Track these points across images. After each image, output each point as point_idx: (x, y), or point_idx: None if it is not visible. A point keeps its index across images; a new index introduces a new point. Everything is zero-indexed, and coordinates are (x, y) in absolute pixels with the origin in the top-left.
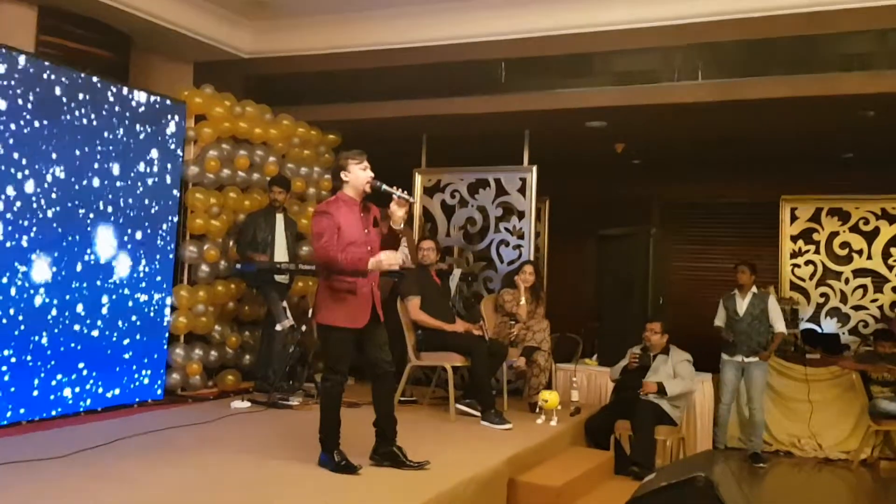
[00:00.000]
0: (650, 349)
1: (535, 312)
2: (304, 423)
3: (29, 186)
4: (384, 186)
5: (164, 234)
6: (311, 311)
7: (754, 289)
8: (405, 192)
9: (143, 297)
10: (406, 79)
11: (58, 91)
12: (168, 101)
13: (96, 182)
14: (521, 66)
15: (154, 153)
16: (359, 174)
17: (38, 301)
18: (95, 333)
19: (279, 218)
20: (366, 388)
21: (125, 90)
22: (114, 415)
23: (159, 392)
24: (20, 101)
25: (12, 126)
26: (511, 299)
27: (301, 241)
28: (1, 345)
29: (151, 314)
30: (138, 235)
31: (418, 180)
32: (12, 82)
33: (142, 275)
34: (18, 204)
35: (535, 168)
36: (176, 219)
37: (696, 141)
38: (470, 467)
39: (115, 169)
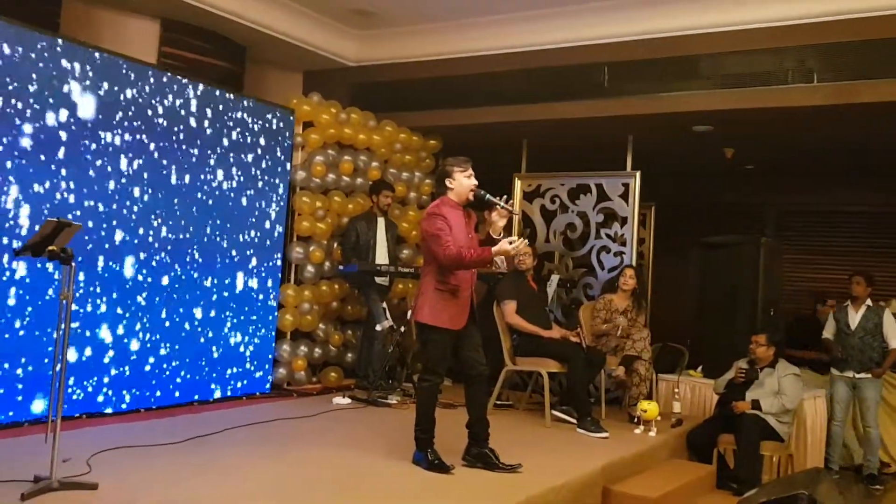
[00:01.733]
0: (757, 362)
1: (636, 321)
2: (400, 421)
3: (148, 190)
4: (487, 196)
5: (273, 236)
6: (409, 313)
7: (869, 302)
8: (508, 202)
9: (255, 295)
10: (507, 84)
11: (177, 101)
12: (278, 109)
13: (213, 184)
14: (625, 70)
15: (265, 158)
16: (463, 182)
17: (156, 298)
18: (210, 328)
19: (380, 221)
20: (462, 389)
21: (240, 99)
22: (224, 406)
23: (267, 386)
24: (149, 112)
25: (131, 132)
26: (603, 307)
27: (401, 244)
28: (129, 335)
29: (261, 311)
30: (251, 235)
31: (518, 185)
32: (137, 93)
33: (253, 274)
34: (136, 208)
35: (638, 173)
36: (284, 221)
37: (813, 146)
38: (563, 473)
39: (230, 173)
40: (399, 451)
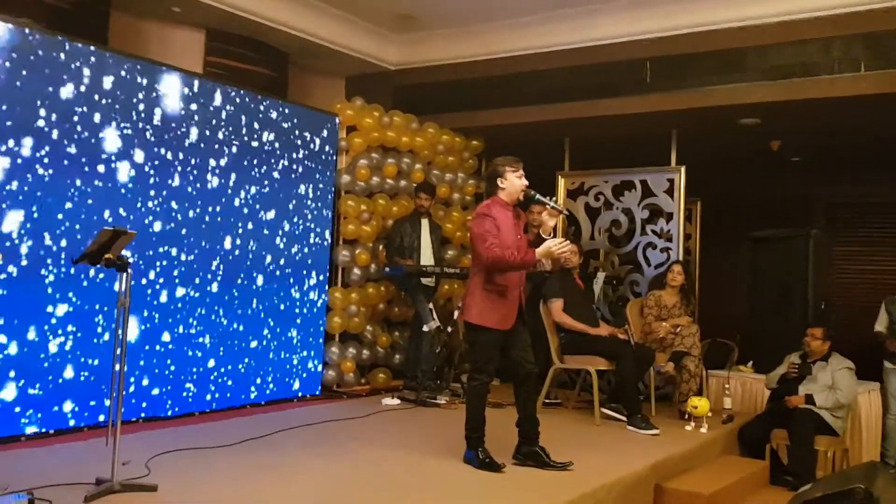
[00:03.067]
0: (809, 356)
1: (683, 316)
2: (450, 421)
3: (199, 201)
4: (538, 196)
5: (320, 239)
6: (456, 313)
7: None
8: (557, 201)
9: (303, 299)
10: (548, 82)
11: (223, 108)
12: (322, 115)
13: (264, 189)
14: (668, 65)
15: (310, 163)
16: (514, 182)
17: (209, 303)
18: (260, 331)
19: (424, 223)
20: (510, 389)
21: (283, 106)
22: (276, 408)
23: (317, 388)
24: (193, 118)
25: (185, 141)
26: (654, 304)
27: (446, 245)
28: (183, 340)
29: (310, 314)
30: (299, 239)
31: (561, 183)
32: (183, 102)
33: (301, 277)
34: (188, 215)
35: (683, 168)
36: (330, 225)
37: (861, 136)
38: (614, 471)
39: (276, 177)
40: (450, 451)
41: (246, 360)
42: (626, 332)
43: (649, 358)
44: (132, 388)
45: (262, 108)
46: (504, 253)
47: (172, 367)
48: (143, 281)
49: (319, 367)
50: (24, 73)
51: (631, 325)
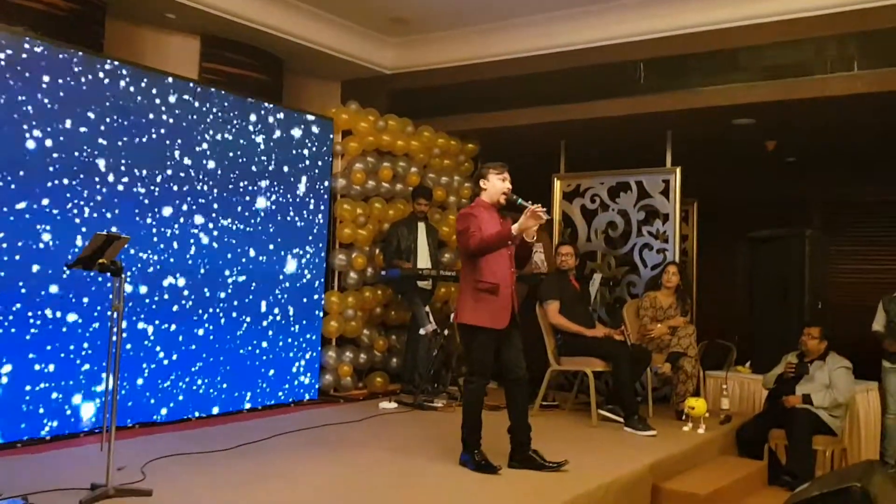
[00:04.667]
0: (806, 355)
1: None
2: (447, 423)
3: (193, 206)
4: (520, 200)
5: (316, 244)
6: (452, 316)
7: None
8: (541, 208)
9: (300, 303)
10: (543, 85)
11: (217, 114)
12: (317, 119)
13: (259, 194)
14: (662, 66)
15: (306, 167)
16: (496, 184)
17: (206, 308)
18: (257, 336)
19: (421, 226)
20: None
21: (278, 111)
22: (273, 412)
23: (314, 392)
24: (184, 124)
25: (177, 147)
26: (649, 305)
27: (443, 247)
28: (178, 345)
29: (307, 318)
30: (295, 244)
31: (557, 186)
32: (177, 108)
33: (298, 281)
34: (181, 220)
35: (678, 170)
36: (326, 229)
37: (857, 136)
38: (611, 472)
39: (271, 182)
40: (446, 454)
41: (242, 365)
42: (622, 332)
43: (646, 358)
44: (124, 392)
45: (256, 113)
46: (483, 237)
47: (168, 373)
48: (144, 289)
49: (316, 372)
50: (15, 81)
51: (627, 325)
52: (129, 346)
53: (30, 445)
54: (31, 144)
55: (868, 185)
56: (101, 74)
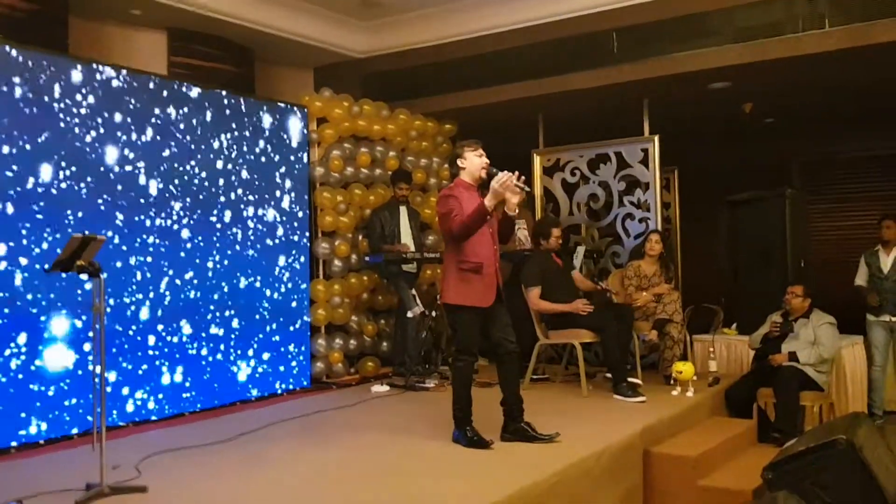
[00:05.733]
0: (791, 314)
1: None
2: (439, 403)
3: (171, 203)
4: (500, 172)
5: (299, 233)
6: (438, 297)
7: None
8: (520, 179)
9: (286, 293)
10: (517, 60)
11: (190, 108)
12: (291, 108)
13: (236, 188)
14: (634, 34)
15: (281, 157)
16: (474, 161)
17: (192, 295)
18: (245, 328)
19: (403, 210)
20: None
21: (251, 101)
22: (266, 403)
23: (306, 381)
24: (153, 120)
25: (150, 142)
26: (633, 274)
27: (426, 230)
28: (168, 340)
29: (294, 308)
30: (277, 235)
31: (537, 161)
32: (138, 103)
33: (284, 271)
34: (162, 216)
35: (656, 138)
36: (307, 218)
37: (832, 94)
38: (602, 439)
39: (248, 174)
40: (440, 432)
41: (232, 358)
42: (602, 288)
43: (628, 316)
44: (110, 390)
45: (228, 105)
46: (462, 217)
47: (159, 368)
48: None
49: (307, 360)
50: None
51: (608, 281)
52: (118, 342)
53: (23, 450)
54: None
55: (846, 142)
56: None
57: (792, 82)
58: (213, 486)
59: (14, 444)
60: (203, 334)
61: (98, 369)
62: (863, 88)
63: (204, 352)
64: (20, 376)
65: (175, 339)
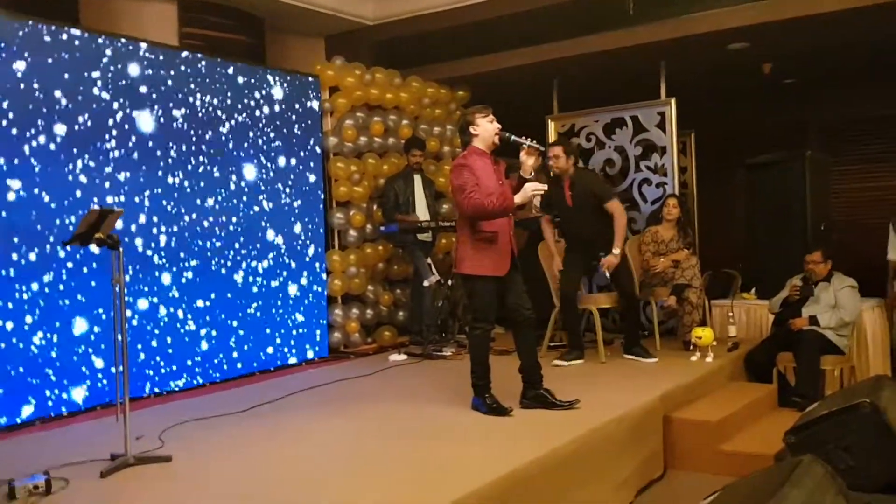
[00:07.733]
0: (811, 278)
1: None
2: (457, 371)
3: (179, 174)
4: (513, 137)
5: (314, 204)
6: (453, 266)
7: None
8: (534, 140)
9: (304, 263)
10: (530, 24)
11: (203, 79)
12: (303, 77)
13: (250, 159)
14: None
15: (295, 128)
16: (487, 126)
17: (211, 275)
18: (263, 299)
19: (417, 179)
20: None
21: (263, 71)
22: (285, 373)
23: (324, 351)
24: (163, 90)
25: (165, 115)
26: (651, 240)
27: (440, 199)
28: (187, 312)
29: (311, 279)
30: (293, 206)
31: (552, 127)
32: (153, 73)
33: (300, 242)
34: (175, 195)
35: (673, 101)
36: (322, 189)
37: (853, 52)
38: (622, 405)
39: (262, 145)
40: (458, 400)
41: (252, 330)
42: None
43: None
44: (140, 361)
45: (240, 75)
46: (484, 200)
47: (180, 340)
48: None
49: (324, 331)
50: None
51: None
52: (138, 317)
53: (48, 422)
54: None
55: (867, 103)
56: (77, 43)
57: (812, 42)
58: (235, 454)
59: (42, 416)
60: (218, 307)
61: (120, 338)
62: (885, 47)
63: (228, 322)
64: (42, 349)
65: (199, 305)
